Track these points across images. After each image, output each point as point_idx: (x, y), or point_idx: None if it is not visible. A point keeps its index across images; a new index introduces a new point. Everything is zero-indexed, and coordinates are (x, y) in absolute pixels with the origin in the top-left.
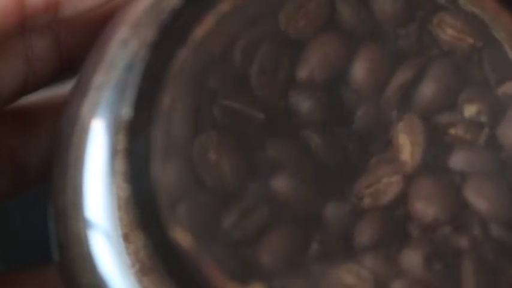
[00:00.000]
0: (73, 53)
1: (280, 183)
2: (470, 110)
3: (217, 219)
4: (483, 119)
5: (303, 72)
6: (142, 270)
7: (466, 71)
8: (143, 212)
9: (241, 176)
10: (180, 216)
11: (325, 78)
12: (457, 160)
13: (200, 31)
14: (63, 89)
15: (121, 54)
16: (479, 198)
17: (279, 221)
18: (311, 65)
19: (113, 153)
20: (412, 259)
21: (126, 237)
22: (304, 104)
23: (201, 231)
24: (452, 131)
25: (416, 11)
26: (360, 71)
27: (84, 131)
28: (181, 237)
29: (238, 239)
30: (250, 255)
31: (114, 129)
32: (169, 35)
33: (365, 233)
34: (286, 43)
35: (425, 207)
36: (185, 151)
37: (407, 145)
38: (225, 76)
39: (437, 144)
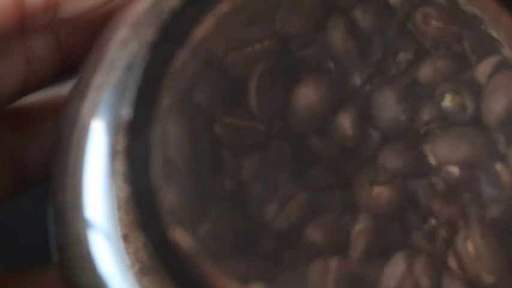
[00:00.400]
0: (74, 53)
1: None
2: (451, 100)
3: (218, 218)
4: (468, 105)
5: (291, 125)
6: (142, 270)
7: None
8: (143, 213)
9: (243, 176)
10: (179, 216)
11: (311, 127)
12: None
13: (200, 32)
14: (63, 89)
15: (121, 54)
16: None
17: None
18: (299, 119)
19: (113, 153)
20: None
21: (125, 238)
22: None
23: (200, 232)
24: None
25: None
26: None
27: (84, 131)
28: (181, 237)
29: (283, 227)
30: (250, 254)
31: (114, 130)
32: (169, 36)
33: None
34: (284, 50)
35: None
36: (186, 151)
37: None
38: (223, 82)
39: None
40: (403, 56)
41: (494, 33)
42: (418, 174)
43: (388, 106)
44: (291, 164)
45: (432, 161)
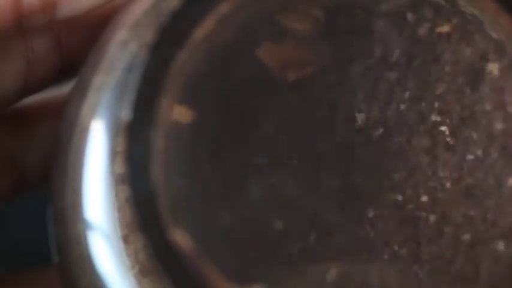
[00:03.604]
0: (74, 54)
1: (283, 182)
2: None
3: (218, 220)
4: None
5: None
6: (141, 271)
7: None
8: (142, 214)
9: (243, 177)
10: (179, 217)
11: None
12: None
13: (200, 33)
14: (63, 90)
15: (120, 55)
16: None
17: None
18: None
19: (113, 155)
20: None
21: (125, 239)
22: None
23: (200, 233)
24: None
25: None
26: None
27: (84, 132)
28: (181, 238)
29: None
30: (250, 256)
31: (114, 131)
32: (169, 37)
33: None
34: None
35: None
36: (186, 153)
37: None
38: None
39: None
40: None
41: (494, 34)
42: None
43: None
44: (293, 167)
45: None
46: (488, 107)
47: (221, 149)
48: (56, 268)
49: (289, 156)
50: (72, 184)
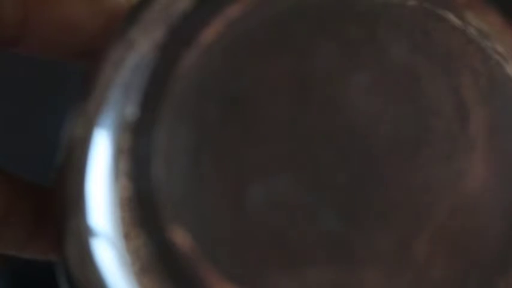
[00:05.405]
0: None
1: (280, 187)
2: None
3: (218, 219)
4: None
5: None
6: (142, 269)
7: None
8: (145, 212)
9: (244, 178)
10: (180, 216)
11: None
12: None
13: (208, 35)
14: None
15: (129, 54)
16: None
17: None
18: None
19: (118, 152)
20: None
21: (127, 236)
22: None
23: (200, 232)
24: None
25: None
26: None
27: (90, 129)
28: (181, 237)
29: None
30: (249, 255)
31: (120, 129)
32: (178, 37)
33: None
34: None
35: None
36: (188, 153)
37: None
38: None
39: None
40: None
41: (500, 49)
42: None
43: None
44: (294, 169)
45: None
46: None
47: (223, 149)
48: (58, 264)
49: (290, 159)
50: (76, 180)
